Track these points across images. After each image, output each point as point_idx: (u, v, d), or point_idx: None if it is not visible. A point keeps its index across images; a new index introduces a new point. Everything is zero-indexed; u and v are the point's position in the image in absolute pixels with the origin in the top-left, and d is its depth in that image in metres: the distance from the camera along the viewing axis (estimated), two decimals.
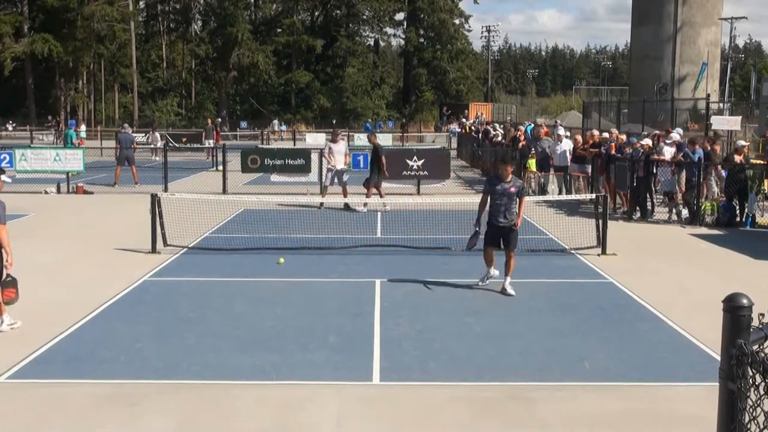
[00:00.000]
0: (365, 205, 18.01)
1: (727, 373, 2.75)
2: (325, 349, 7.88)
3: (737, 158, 17.09)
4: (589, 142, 19.95)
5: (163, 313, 9.22)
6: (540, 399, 6.57)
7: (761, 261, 12.73)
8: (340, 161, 18.95)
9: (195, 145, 38.69)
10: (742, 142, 18.45)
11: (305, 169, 22.22)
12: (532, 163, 20.84)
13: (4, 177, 9.08)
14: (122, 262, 12.11)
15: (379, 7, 74.06)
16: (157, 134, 36.36)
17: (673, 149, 17.48)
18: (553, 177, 20.43)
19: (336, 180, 18.94)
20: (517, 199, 10.11)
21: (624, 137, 19.51)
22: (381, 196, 18.10)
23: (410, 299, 9.88)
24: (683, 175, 16.89)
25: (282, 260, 12.00)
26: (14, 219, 16.56)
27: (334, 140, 19.68)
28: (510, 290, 10.07)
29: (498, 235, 10.10)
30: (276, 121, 61.60)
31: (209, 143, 36.52)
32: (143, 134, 40.98)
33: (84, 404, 6.42)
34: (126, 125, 30.38)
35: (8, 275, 8.51)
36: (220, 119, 56.06)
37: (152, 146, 35.18)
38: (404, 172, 22.03)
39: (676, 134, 18.48)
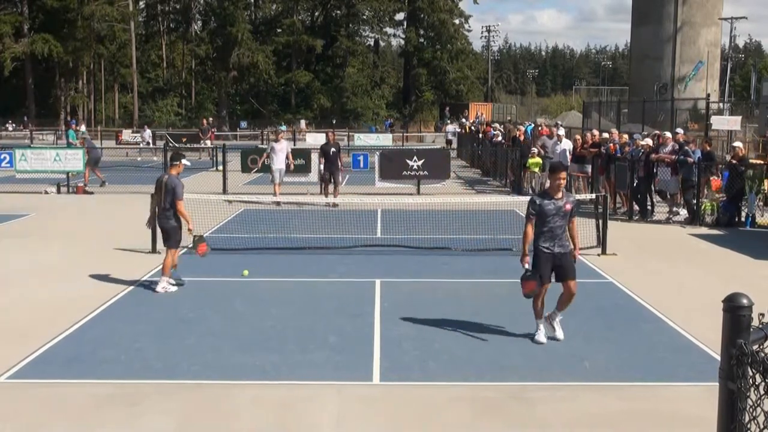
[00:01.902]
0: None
1: (727, 373, 2.75)
2: (325, 349, 7.88)
3: (728, 158, 17.13)
4: (589, 142, 19.95)
5: (163, 313, 9.23)
6: (540, 399, 6.56)
7: (761, 261, 12.73)
8: (281, 159, 19.31)
9: (195, 145, 38.82)
10: (737, 143, 18.45)
11: (305, 169, 22.41)
12: (532, 163, 20.87)
13: (184, 161, 10.20)
14: (122, 262, 12.10)
15: (379, 7, 73.99)
16: (148, 133, 36.69)
17: (668, 147, 17.40)
18: None
19: (278, 178, 19.42)
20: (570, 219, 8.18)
21: (626, 137, 19.46)
22: (326, 196, 18.75)
23: (410, 299, 9.87)
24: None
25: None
26: (14, 219, 16.57)
27: (276, 139, 20.13)
28: (559, 332, 8.26)
29: (553, 267, 8.16)
30: (303, 120, 61.26)
31: (205, 143, 36.89)
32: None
33: (84, 404, 6.42)
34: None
35: (196, 235, 10.17)
36: (211, 119, 56.08)
37: (143, 144, 35.77)
38: (404, 172, 22.05)
39: (667, 132, 18.44)
